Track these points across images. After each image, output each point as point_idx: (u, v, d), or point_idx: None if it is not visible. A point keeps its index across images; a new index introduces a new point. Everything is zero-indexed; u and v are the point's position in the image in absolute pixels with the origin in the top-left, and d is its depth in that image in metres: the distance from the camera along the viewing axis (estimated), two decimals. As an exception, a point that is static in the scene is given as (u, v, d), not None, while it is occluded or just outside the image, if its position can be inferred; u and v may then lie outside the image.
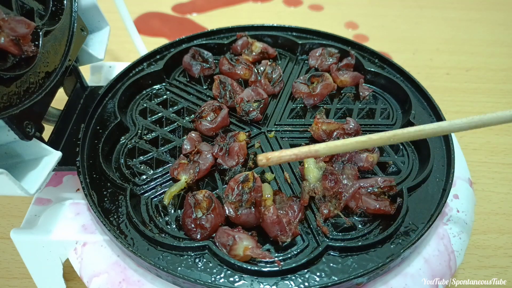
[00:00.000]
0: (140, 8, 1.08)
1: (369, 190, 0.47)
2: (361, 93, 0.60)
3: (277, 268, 0.41)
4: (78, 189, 0.52)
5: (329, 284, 0.40)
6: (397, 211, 0.46)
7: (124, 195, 0.48)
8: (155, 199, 0.49)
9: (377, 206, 0.46)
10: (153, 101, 0.60)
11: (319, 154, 0.41)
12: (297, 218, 0.45)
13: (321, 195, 0.47)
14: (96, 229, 0.47)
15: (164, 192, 0.49)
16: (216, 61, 0.65)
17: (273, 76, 0.62)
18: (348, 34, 1.01)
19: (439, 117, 0.55)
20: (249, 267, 0.41)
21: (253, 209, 0.44)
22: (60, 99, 0.56)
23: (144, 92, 0.62)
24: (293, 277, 0.41)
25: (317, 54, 0.65)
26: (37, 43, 0.46)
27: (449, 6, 1.10)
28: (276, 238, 0.44)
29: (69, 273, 0.52)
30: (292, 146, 0.54)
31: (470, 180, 0.53)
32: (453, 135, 0.53)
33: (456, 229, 0.47)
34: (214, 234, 0.44)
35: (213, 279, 0.41)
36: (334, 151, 0.41)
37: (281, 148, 0.54)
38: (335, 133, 0.53)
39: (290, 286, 0.41)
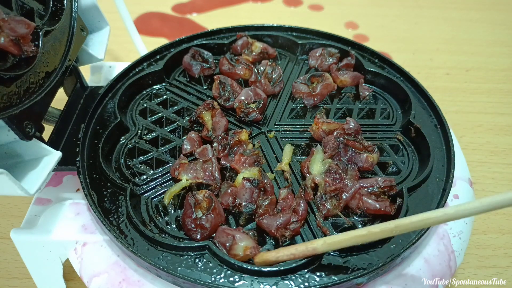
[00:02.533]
0: (140, 8, 1.08)
1: (369, 190, 0.47)
2: (361, 93, 0.60)
3: (277, 268, 0.41)
4: (78, 189, 0.52)
5: (329, 284, 0.40)
6: (397, 211, 0.46)
7: (124, 195, 0.48)
8: (155, 199, 0.49)
9: (377, 206, 0.46)
10: (153, 101, 0.60)
11: (317, 251, 0.39)
12: (303, 219, 0.45)
13: (323, 192, 0.47)
14: (96, 229, 0.47)
15: (164, 192, 0.49)
16: (216, 61, 0.65)
17: (273, 76, 0.62)
18: (348, 34, 1.01)
19: (439, 117, 0.55)
20: (249, 267, 0.41)
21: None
22: (60, 99, 0.56)
23: (144, 92, 0.62)
24: (293, 277, 0.41)
25: (317, 54, 0.65)
26: (37, 43, 0.46)
27: (449, 6, 1.10)
28: (276, 234, 0.44)
29: (69, 273, 0.52)
30: (292, 146, 0.54)
31: (470, 180, 0.53)
32: (453, 134, 0.53)
33: (456, 229, 0.47)
34: (214, 234, 0.44)
35: (213, 279, 0.41)
36: (333, 247, 0.40)
37: (280, 148, 0.54)
38: (335, 133, 0.53)
39: (290, 286, 0.41)
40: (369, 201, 0.46)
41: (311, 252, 0.39)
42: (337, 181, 0.47)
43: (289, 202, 0.46)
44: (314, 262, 0.42)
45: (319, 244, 0.39)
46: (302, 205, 0.45)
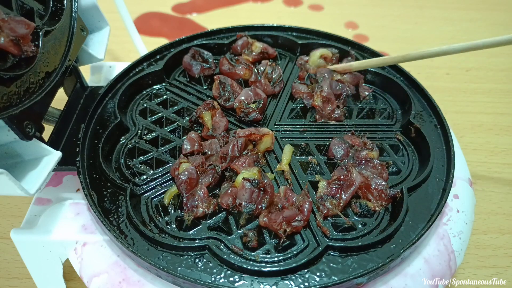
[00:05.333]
0: (140, 8, 1.08)
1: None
2: (361, 93, 0.60)
3: (277, 268, 0.41)
4: (78, 189, 0.52)
5: (329, 284, 0.40)
6: (397, 211, 0.46)
7: (124, 195, 0.48)
8: (155, 199, 0.49)
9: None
10: (153, 101, 0.60)
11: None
12: (307, 220, 0.45)
13: (323, 192, 0.47)
14: (96, 229, 0.47)
15: (164, 192, 0.49)
16: (216, 61, 0.65)
17: (273, 76, 0.62)
18: (348, 34, 1.01)
19: (439, 117, 0.55)
20: (249, 267, 0.41)
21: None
22: (60, 99, 0.56)
23: (144, 92, 0.62)
24: (293, 277, 0.41)
25: (317, 54, 0.65)
26: (37, 43, 0.46)
27: (449, 6, 1.10)
28: (280, 227, 0.44)
29: (69, 273, 0.52)
30: (293, 146, 0.54)
31: (470, 180, 0.53)
32: (453, 134, 0.53)
33: (456, 229, 0.47)
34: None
35: (213, 279, 0.41)
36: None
37: (280, 148, 0.54)
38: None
39: (290, 286, 0.41)
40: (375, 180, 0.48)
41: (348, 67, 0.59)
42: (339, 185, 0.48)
43: (290, 199, 0.47)
44: (314, 262, 0.42)
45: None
46: (308, 205, 0.45)
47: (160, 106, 0.60)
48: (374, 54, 0.65)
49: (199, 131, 0.56)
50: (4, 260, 0.59)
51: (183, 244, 0.43)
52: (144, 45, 0.80)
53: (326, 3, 1.12)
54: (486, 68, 0.91)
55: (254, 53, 0.65)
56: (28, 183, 0.44)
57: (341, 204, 0.46)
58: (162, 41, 0.96)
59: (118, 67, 0.67)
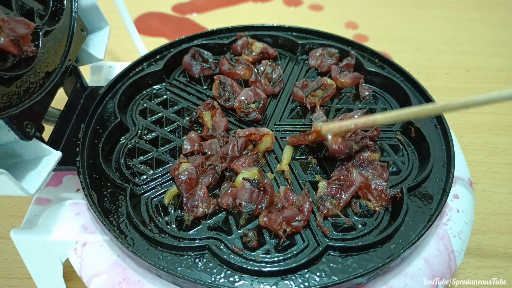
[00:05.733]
0: (140, 8, 1.08)
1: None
2: (361, 93, 0.60)
3: (277, 268, 0.41)
4: (78, 189, 0.52)
5: (329, 284, 0.40)
6: (397, 211, 0.46)
7: (124, 195, 0.48)
8: (155, 199, 0.49)
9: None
10: (153, 101, 0.60)
11: (377, 123, 0.47)
12: (307, 220, 0.45)
13: (322, 192, 0.47)
14: (96, 229, 0.47)
15: (164, 192, 0.49)
16: (216, 61, 0.65)
17: (273, 76, 0.62)
18: (348, 34, 1.01)
19: (439, 117, 0.55)
20: (249, 267, 0.41)
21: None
22: (60, 99, 0.56)
23: (144, 92, 0.62)
24: (293, 277, 0.41)
25: (317, 54, 0.64)
26: (37, 43, 0.46)
27: (449, 6, 1.10)
28: (280, 227, 0.44)
29: (69, 273, 0.52)
30: (292, 146, 0.54)
31: (470, 180, 0.53)
32: (453, 134, 0.53)
33: (456, 229, 0.47)
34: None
35: (213, 279, 0.41)
36: (390, 120, 0.49)
37: (280, 148, 0.54)
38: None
39: (290, 286, 0.41)
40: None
41: (371, 123, 0.46)
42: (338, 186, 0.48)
43: (290, 199, 0.47)
44: (314, 262, 0.42)
45: (379, 117, 0.46)
46: (308, 205, 0.45)
47: (160, 106, 0.60)
48: (374, 54, 0.65)
49: (199, 131, 0.56)
50: (4, 260, 0.59)
51: (183, 244, 0.43)
52: (144, 45, 0.80)
53: (326, 3, 1.12)
54: (486, 68, 0.91)
55: (254, 53, 0.65)
56: (28, 183, 0.44)
57: (341, 204, 0.46)
58: (162, 41, 0.96)
59: (118, 67, 0.67)
